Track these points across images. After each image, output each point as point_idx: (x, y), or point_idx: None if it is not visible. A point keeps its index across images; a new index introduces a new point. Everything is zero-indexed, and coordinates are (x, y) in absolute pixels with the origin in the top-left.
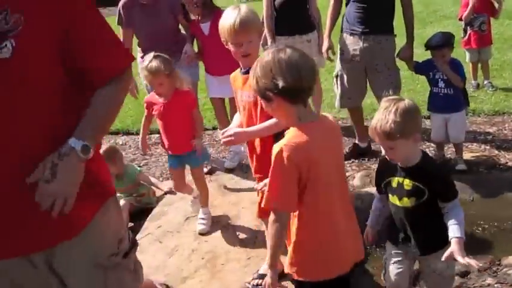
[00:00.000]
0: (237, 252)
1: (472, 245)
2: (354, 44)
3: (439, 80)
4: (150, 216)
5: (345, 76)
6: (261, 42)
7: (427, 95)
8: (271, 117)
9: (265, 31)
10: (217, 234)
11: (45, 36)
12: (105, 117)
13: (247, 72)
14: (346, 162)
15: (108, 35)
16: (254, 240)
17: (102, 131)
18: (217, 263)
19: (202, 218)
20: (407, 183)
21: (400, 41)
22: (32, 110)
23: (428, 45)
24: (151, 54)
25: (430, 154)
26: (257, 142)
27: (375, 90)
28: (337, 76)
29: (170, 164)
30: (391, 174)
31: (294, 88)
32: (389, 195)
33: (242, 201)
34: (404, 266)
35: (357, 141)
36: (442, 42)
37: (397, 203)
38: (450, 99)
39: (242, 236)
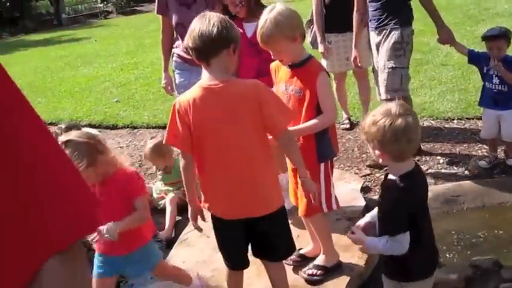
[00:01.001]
0: None
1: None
2: (373, 38)
3: (493, 75)
4: None
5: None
6: (310, 40)
7: (479, 95)
8: (313, 115)
9: (315, 28)
10: None
11: None
12: None
13: (293, 66)
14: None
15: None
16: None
17: None
18: None
19: None
20: None
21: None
22: None
23: (484, 36)
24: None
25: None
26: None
27: None
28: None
29: (99, 272)
30: None
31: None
32: None
33: None
34: None
35: None
36: (499, 33)
37: None
38: (504, 95)
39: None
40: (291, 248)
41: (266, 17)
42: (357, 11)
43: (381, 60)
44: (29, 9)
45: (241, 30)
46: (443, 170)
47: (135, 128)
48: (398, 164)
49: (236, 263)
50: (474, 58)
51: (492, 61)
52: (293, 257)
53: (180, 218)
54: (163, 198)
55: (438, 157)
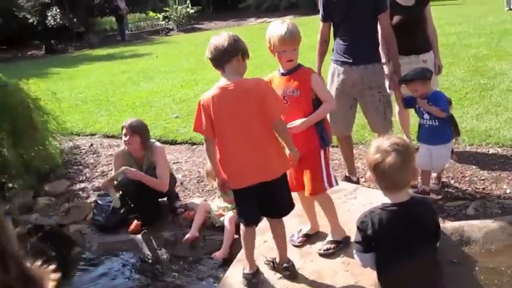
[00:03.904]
0: (343, 276)
1: None
2: (344, 73)
3: (424, 112)
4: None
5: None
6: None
7: None
8: (311, 109)
9: (380, 51)
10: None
11: None
12: None
13: (287, 73)
14: None
15: None
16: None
17: None
18: (323, 285)
19: None
20: None
21: None
22: None
23: (400, 80)
24: None
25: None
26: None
27: (370, 114)
28: None
29: None
30: None
31: None
32: None
33: (352, 222)
34: None
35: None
36: (411, 77)
37: None
38: (435, 130)
39: (349, 259)
40: (291, 206)
41: (286, 23)
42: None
43: None
44: (94, 25)
45: None
46: (510, 200)
47: (193, 144)
48: (383, 191)
49: (250, 219)
50: (407, 102)
51: (418, 100)
52: (299, 238)
53: (238, 236)
54: (221, 215)
55: (505, 186)
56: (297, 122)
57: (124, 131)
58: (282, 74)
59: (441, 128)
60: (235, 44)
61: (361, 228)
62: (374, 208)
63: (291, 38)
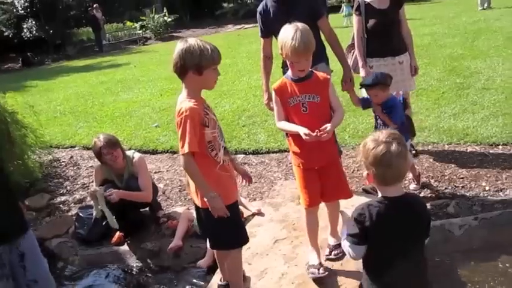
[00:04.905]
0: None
1: None
2: None
3: (378, 117)
4: None
5: None
6: (351, 65)
7: None
8: (329, 113)
9: (356, 53)
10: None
11: None
12: None
13: (300, 80)
14: None
15: None
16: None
17: None
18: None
19: None
20: None
21: None
22: None
23: (361, 84)
24: None
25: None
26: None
27: None
28: None
29: None
30: None
31: None
32: None
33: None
34: None
35: None
36: (371, 82)
37: None
38: None
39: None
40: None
41: (299, 30)
42: None
43: None
44: (71, 36)
45: None
46: (489, 197)
47: (174, 152)
48: (382, 187)
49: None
50: (365, 103)
51: (373, 105)
52: (331, 246)
53: None
54: None
55: (484, 183)
56: (327, 126)
57: (104, 150)
58: (295, 80)
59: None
60: (182, 61)
61: (358, 220)
62: (371, 201)
63: (305, 49)
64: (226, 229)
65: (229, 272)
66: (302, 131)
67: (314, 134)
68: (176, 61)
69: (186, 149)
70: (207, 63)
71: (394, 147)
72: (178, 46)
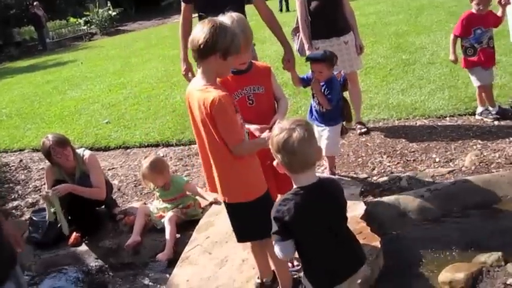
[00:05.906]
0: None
1: None
2: None
3: (315, 96)
4: (197, 227)
5: None
6: (297, 48)
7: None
8: (274, 103)
9: (301, 36)
10: None
11: None
12: None
13: (241, 72)
14: None
15: None
16: None
17: None
18: None
19: None
20: None
21: None
22: None
23: (308, 57)
24: None
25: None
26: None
27: None
28: None
29: None
30: None
31: None
32: None
33: None
34: None
35: None
36: (320, 57)
37: None
38: (323, 113)
39: None
40: None
41: (235, 20)
42: None
43: None
44: (12, 36)
45: None
46: (440, 168)
47: (127, 148)
48: (293, 175)
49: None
50: (305, 82)
51: (313, 81)
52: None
53: (179, 236)
54: (161, 217)
55: (434, 155)
56: (277, 119)
57: (52, 151)
58: (235, 73)
59: (329, 114)
60: (214, 39)
61: (277, 217)
62: (286, 195)
63: (245, 41)
64: (264, 217)
65: (275, 262)
66: (257, 133)
67: (267, 134)
68: (206, 39)
69: (237, 139)
70: (235, 49)
71: (296, 133)
72: (209, 24)
